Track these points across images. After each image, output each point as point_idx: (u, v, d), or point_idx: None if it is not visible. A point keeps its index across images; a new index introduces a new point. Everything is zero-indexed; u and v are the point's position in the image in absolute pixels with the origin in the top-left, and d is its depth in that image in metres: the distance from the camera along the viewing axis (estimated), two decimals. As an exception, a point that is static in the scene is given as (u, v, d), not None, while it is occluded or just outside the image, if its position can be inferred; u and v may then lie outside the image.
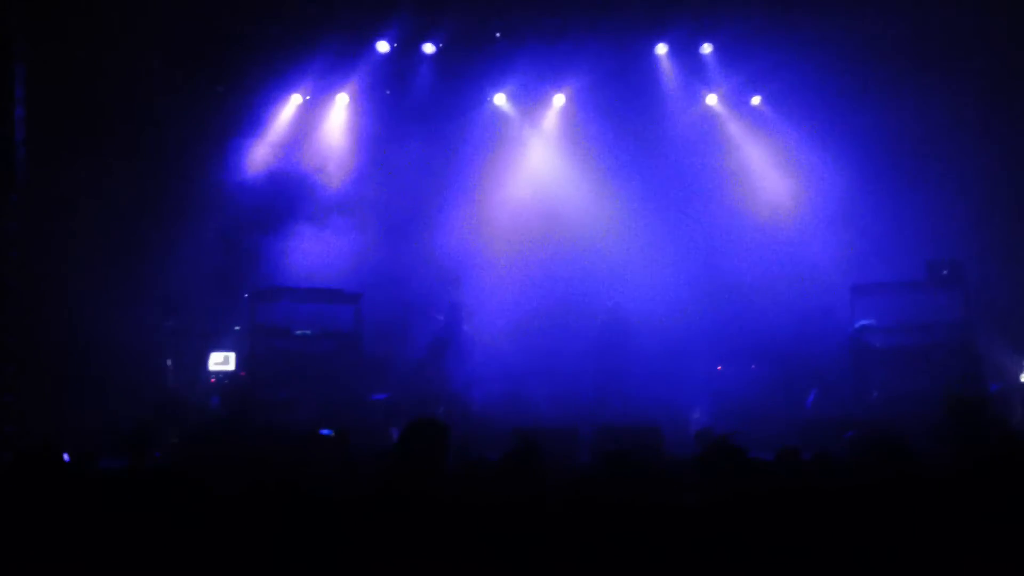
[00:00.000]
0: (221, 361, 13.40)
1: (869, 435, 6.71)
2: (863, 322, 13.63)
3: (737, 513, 4.56)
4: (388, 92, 15.47)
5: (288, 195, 14.81)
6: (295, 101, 15.26)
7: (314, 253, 14.30)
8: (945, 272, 13.26)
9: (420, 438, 6.12)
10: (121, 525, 4.91)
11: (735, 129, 15.84)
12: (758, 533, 4.42)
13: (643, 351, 14.09)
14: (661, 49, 15.29)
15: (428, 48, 14.94)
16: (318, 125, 15.40)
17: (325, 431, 12.01)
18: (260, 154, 14.81)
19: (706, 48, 15.18)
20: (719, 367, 14.42)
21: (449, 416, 12.13)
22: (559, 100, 15.85)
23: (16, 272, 12.04)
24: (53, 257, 12.69)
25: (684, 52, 15.29)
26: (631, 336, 14.33)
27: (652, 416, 13.07)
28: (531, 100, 15.86)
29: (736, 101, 15.81)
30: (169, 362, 13.38)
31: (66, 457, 8.43)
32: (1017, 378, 11.92)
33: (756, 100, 15.73)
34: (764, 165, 15.72)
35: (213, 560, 4.72)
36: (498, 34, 14.77)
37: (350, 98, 15.45)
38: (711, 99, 15.83)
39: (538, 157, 15.98)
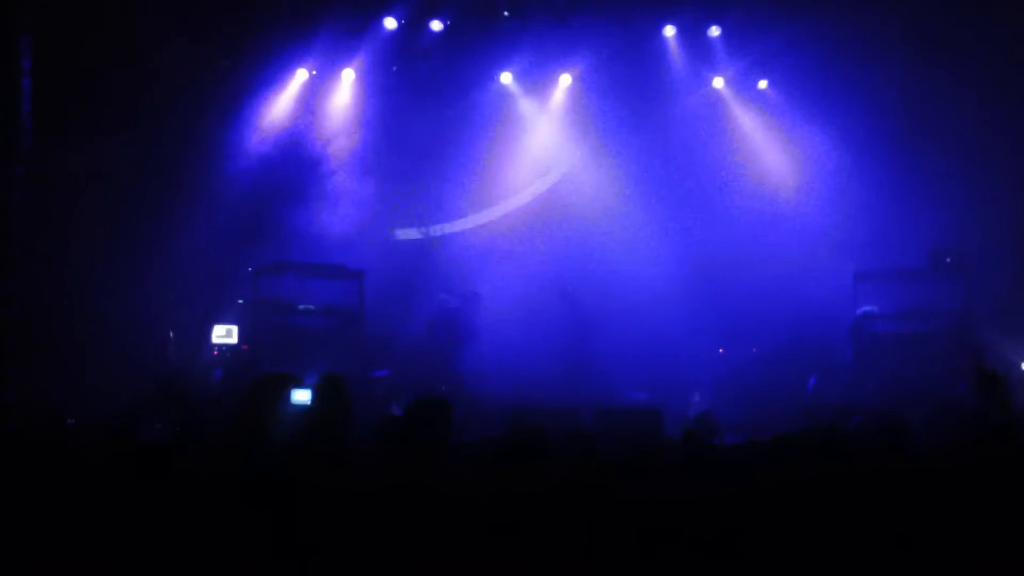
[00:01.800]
0: (224, 334, 13.37)
1: (875, 422, 6.72)
2: (865, 308, 13.65)
3: (739, 503, 4.59)
4: (395, 69, 15.41)
5: (293, 170, 14.79)
6: (301, 76, 15.20)
7: (318, 228, 14.29)
8: (949, 260, 13.27)
9: (425, 415, 6.20)
10: (113, 503, 4.93)
11: (741, 112, 15.80)
12: (760, 523, 4.45)
13: (644, 332, 14.14)
14: (669, 31, 15.25)
15: (436, 25, 14.88)
16: (324, 100, 15.34)
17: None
18: (266, 128, 14.77)
19: (714, 31, 15.14)
20: (720, 350, 14.45)
21: (452, 395, 12.14)
22: (566, 80, 15.80)
23: (20, 243, 12.07)
24: (58, 228, 12.71)
25: (692, 34, 15.24)
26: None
27: (653, 398, 13.18)
28: (538, 79, 15.79)
29: (742, 84, 15.74)
30: (172, 333, 13.38)
31: (70, 421, 8.46)
32: (1019, 367, 11.92)
33: (763, 84, 15.67)
34: (769, 148, 15.68)
35: (209, 543, 4.74)
36: (506, 12, 14.71)
37: (356, 74, 15.37)
38: (718, 82, 15.78)
39: (544, 136, 15.95)
